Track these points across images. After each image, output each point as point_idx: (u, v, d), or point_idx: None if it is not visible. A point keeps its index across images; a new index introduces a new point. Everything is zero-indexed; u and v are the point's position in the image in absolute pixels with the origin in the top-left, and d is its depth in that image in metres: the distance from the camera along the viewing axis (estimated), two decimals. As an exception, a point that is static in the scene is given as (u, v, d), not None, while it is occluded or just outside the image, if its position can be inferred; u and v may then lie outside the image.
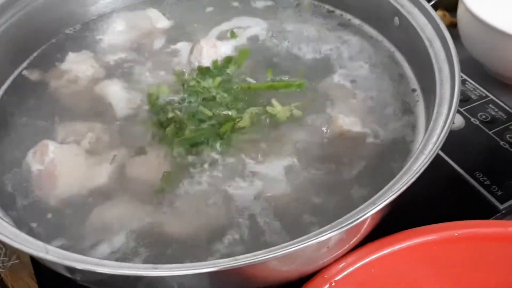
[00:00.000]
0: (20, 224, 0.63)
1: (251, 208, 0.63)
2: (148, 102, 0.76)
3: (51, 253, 0.52)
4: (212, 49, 0.82)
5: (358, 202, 0.60)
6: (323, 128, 0.71)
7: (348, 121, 0.71)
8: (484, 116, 0.85)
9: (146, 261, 0.59)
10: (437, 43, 0.69)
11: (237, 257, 0.50)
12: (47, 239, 0.60)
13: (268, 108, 0.73)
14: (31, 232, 0.62)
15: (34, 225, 0.64)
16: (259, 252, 0.50)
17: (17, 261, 0.80)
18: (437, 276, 0.61)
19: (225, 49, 0.83)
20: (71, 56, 0.84)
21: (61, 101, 0.79)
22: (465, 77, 0.92)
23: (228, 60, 0.82)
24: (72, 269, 0.53)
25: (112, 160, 0.69)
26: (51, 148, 0.69)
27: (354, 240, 0.59)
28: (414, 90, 0.75)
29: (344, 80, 0.78)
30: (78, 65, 0.83)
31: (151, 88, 0.78)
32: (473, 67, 0.96)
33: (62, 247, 0.59)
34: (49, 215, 0.65)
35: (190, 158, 0.68)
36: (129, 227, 0.62)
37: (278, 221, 0.62)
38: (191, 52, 0.83)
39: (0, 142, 0.74)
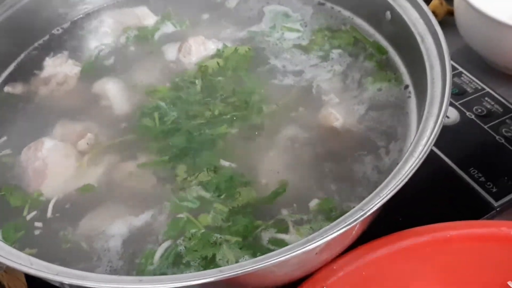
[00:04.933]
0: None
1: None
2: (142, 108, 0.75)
3: (35, 266, 0.51)
4: (201, 47, 0.81)
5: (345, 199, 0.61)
6: (313, 122, 0.71)
7: (338, 116, 0.70)
8: (479, 110, 0.83)
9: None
10: (429, 39, 0.68)
11: (222, 268, 0.49)
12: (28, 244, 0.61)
13: None
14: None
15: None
16: (244, 263, 0.49)
17: (13, 261, 0.80)
18: (429, 278, 0.60)
19: (214, 46, 0.81)
20: (48, 61, 0.83)
21: (54, 104, 0.78)
22: (460, 69, 0.90)
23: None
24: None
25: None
26: (46, 145, 0.69)
27: (344, 245, 0.58)
28: (406, 87, 0.73)
29: (335, 75, 0.77)
30: (61, 67, 0.82)
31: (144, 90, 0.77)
32: (469, 56, 0.95)
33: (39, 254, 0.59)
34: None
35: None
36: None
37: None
38: (179, 50, 0.82)
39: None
